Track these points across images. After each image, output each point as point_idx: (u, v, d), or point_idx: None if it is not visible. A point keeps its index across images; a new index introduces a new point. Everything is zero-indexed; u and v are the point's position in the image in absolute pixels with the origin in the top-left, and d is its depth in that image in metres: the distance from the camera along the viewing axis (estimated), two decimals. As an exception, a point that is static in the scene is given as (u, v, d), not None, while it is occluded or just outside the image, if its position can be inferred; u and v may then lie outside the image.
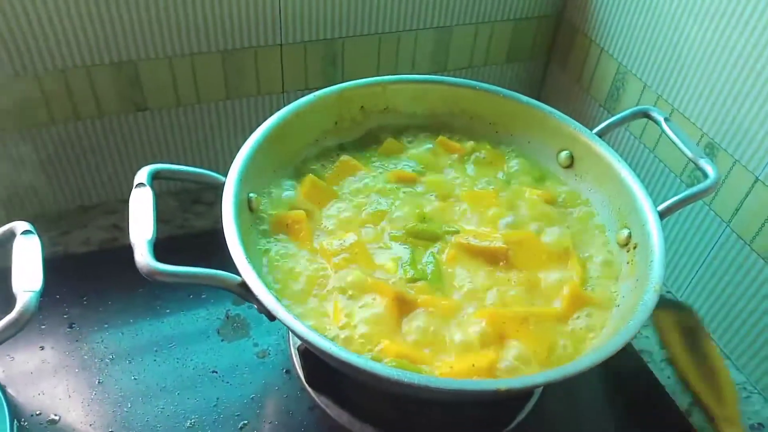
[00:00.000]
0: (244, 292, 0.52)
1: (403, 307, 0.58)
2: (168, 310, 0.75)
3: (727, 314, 0.78)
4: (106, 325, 0.72)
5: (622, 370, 0.76)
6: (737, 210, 0.75)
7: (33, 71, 0.73)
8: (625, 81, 0.89)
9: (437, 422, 0.67)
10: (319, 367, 0.61)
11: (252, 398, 0.68)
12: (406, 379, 0.47)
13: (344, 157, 0.72)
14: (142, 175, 0.56)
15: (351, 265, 0.61)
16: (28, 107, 0.75)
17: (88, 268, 0.79)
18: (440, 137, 0.77)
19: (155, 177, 0.57)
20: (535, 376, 0.49)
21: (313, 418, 0.67)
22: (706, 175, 0.66)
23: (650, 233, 0.62)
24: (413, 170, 0.73)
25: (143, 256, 0.49)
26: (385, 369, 0.48)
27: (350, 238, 0.63)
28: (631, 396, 0.74)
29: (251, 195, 0.63)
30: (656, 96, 0.83)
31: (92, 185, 0.87)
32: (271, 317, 0.52)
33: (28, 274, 0.50)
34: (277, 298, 0.52)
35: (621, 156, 0.69)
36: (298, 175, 0.70)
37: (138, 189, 0.55)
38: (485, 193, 0.71)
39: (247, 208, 0.62)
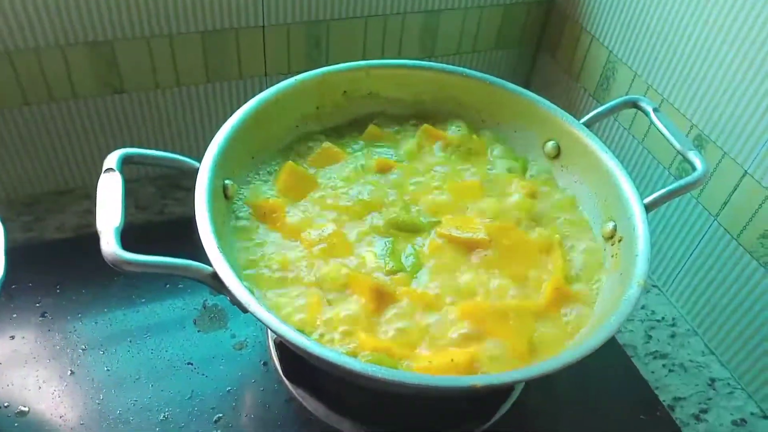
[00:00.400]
0: (215, 283, 0.51)
1: (382, 299, 0.56)
2: (143, 300, 0.73)
3: (712, 309, 0.78)
4: (79, 315, 0.70)
5: (606, 365, 0.75)
6: (725, 204, 0.73)
7: (4, 49, 0.70)
8: (615, 70, 0.87)
9: (416, 416, 0.66)
10: (296, 359, 0.59)
11: (228, 391, 0.66)
12: (380, 375, 0.46)
13: (326, 144, 0.70)
14: (112, 160, 0.53)
15: (330, 257, 0.59)
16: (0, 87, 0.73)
17: (62, 255, 0.77)
18: (425, 125, 0.75)
19: (126, 162, 0.55)
20: (513, 372, 0.47)
21: (289, 411, 0.65)
22: (694, 168, 0.64)
23: (636, 226, 0.60)
24: (396, 159, 0.71)
25: (109, 245, 0.47)
26: (359, 365, 0.47)
27: (329, 228, 0.61)
28: (615, 391, 0.73)
29: (227, 182, 0.61)
30: (646, 86, 0.82)
31: (68, 169, 0.84)
32: (244, 309, 0.50)
33: (-11, 262, 0.48)
34: (250, 290, 0.51)
35: (609, 147, 0.68)
36: (277, 161, 0.68)
37: (107, 174, 0.52)
38: (469, 184, 0.69)
39: (223, 196, 0.60)
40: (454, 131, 0.75)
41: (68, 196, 0.85)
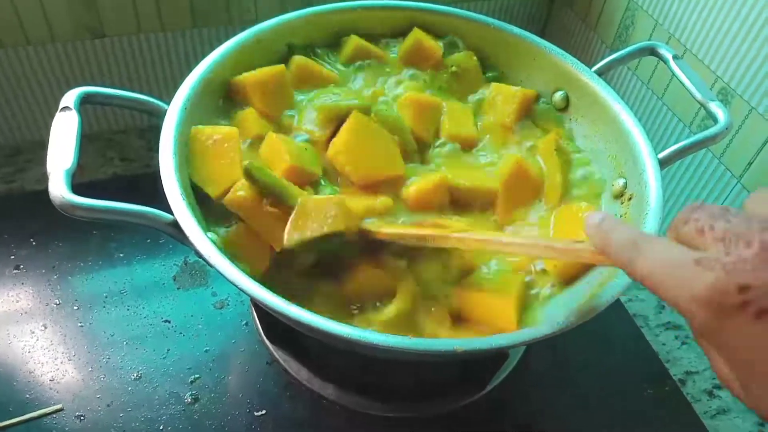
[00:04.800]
0: (177, 233, 0.46)
1: None
2: (122, 254, 0.69)
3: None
4: (54, 268, 0.67)
5: (615, 335, 0.70)
6: (750, 164, 0.67)
7: (-27, -13, 0.66)
8: (635, 18, 0.80)
9: (404, 384, 0.62)
10: (277, 320, 0.56)
11: (206, 351, 0.63)
12: (355, 337, 0.42)
13: (298, 58, 0.63)
14: (69, 98, 0.49)
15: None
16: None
17: (39, 206, 0.72)
18: (416, 31, 0.67)
19: (87, 101, 0.51)
20: (498, 337, 0.43)
21: (270, 374, 0.62)
22: (716, 121, 0.58)
23: (648, 182, 0.55)
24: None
25: (58, 188, 0.43)
26: (326, 324, 0.42)
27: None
28: (623, 363, 0.68)
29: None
30: (668, 35, 0.75)
31: (50, 118, 0.80)
32: (210, 264, 0.46)
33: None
34: (213, 242, 0.46)
35: (626, 102, 0.61)
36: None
37: (62, 113, 0.48)
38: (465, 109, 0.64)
39: (195, 142, 0.56)
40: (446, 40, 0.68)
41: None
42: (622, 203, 0.58)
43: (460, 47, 0.69)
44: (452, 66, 0.66)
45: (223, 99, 0.59)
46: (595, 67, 0.65)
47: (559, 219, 0.57)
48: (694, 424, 0.63)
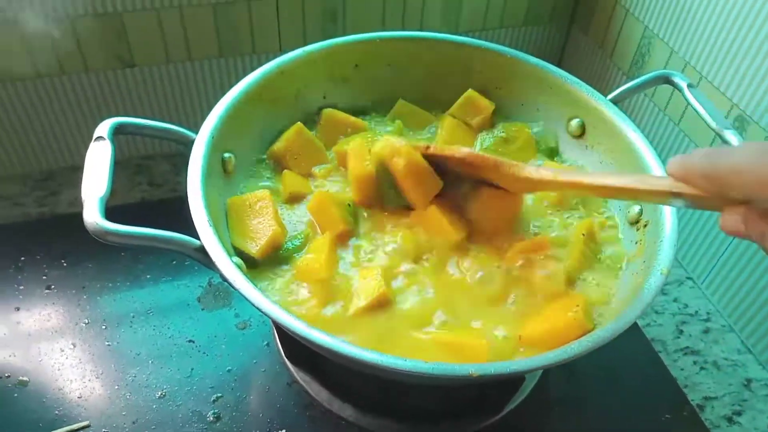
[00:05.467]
0: (203, 258, 0.48)
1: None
2: (149, 276, 0.72)
3: (751, 304, 0.71)
4: (84, 288, 0.70)
5: (631, 360, 0.71)
6: (767, 189, 0.67)
7: (14, 19, 0.69)
8: (651, 46, 0.81)
9: (422, 406, 0.63)
10: (298, 341, 0.57)
11: (228, 371, 0.64)
12: (370, 360, 0.43)
13: (328, 111, 0.67)
14: (103, 128, 0.52)
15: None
16: (7, 57, 0.72)
17: (71, 229, 0.75)
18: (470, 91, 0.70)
19: (119, 131, 0.53)
20: (514, 363, 0.43)
21: (291, 395, 0.63)
22: (731, 148, 0.59)
23: (663, 210, 0.55)
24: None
25: (92, 215, 0.45)
26: (345, 347, 0.44)
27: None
28: (641, 387, 0.68)
29: (227, 155, 0.59)
30: (684, 63, 0.76)
31: (83, 145, 0.84)
32: (234, 288, 0.48)
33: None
34: (238, 266, 0.48)
35: (642, 129, 0.62)
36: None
37: (97, 143, 0.51)
38: None
39: (221, 169, 0.58)
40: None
41: (82, 172, 0.84)
42: (637, 229, 0.59)
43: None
44: (502, 131, 0.69)
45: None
46: (610, 96, 0.66)
47: None
48: (712, 451, 0.63)
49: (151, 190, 0.84)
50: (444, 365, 0.44)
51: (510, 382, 0.59)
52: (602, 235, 0.60)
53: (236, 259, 0.50)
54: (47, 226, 0.77)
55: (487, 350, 0.49)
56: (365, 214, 0.59)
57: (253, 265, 0.54)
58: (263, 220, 0.55)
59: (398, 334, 0.51)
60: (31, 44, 0.72)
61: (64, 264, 0.72)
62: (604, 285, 0.56)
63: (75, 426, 0.59)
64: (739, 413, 0.67)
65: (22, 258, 0.72)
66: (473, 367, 0.43)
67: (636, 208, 0.60)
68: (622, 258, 0.58)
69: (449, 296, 0.54)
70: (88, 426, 0.59)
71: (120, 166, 0.85)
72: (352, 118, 0.68)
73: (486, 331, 0.52)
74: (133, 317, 0.68)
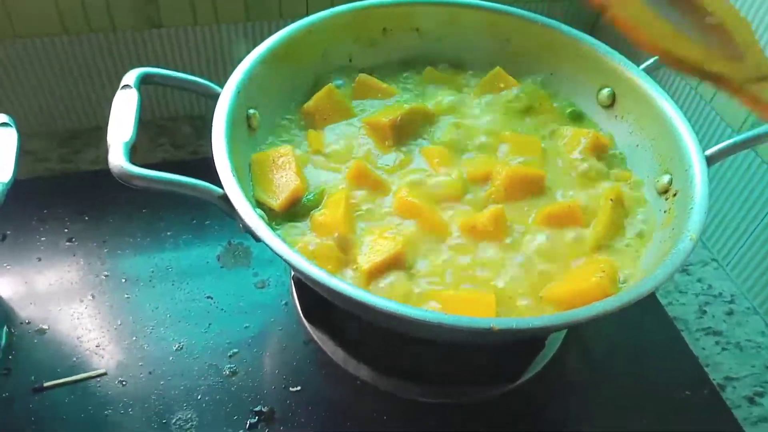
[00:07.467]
0: (226, 206, 0.48)
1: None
2: (169, 233, 0.72)
3: (778, 285, 0.70)
4: (104, 242, 0.70)
5: (652, 336, 0.69)
6: (803, 168, 0.65)
7: (44, -26, 0.69)
8: (685, 20, 0.79)
9: (439, 368, 0.62)
10: (315, 300, 0.57)
11: (245, 327, 0.64)
12: (387, 308, 0.43)
13: (362, 76, 0.67)
14: (130, 77, 0.52)
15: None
16: (38, 12, 0.72)
17: (93, 186, 0.76)
18: (497, 69, 0.70)
19: (146, 81, 0.53)
20: (536, 318, 0.43)
21: (307, 353, 0.63)
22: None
23: (693, 178, 0.54)
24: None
25: (117, 158, 0.45)
26: (367, 296, 0.43)
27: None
28: (662, 365, 0.67)
29: (251, 111, 0.58)
30: (720, 36, 0.74)
31: (107, 104, 0.84)
32: (253, 235, 0.47)
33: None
34: (262, 216, 0.48)
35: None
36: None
37: (123, 91, 0.51)
38: (529, 139, 0.64)
39: (246, 125, 0.58)
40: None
41: (106, 131, 0.85)
42: (666, 199, 0.58)
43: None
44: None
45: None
46: (643, 65, 0.64)
47: None
48: (733, 430, 0.62)
49: (173, 150, 0.84)
50: (465, 318, 0.43)
51: (528, 347, 0.58)
52: (631, 202, 0.59)
53: (259, 210, 0.49)
54: (70, 182, 0.77)
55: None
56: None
57: (273, 221, 0.54)
58: (285, 174, 0.55)
59: (415, 291, 0.51)
60: (60, 0, 0.72)
61: (86, 218, 0.72)
62: (631, 252, 0.55)
63: (92, 373, 0.59)
64: (761, 394, 0.66)
65: (45, 211, 0.72)
66: (495, 321, 0.42)
67: (666, 178, 0.59)
68: (651, 225, 0.57)
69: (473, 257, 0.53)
70: (104, 374, 0.59)
71: (142, 125, 0.85)
72: (384, 85, 0.68)
73: (509, 292, 0.51)
74: (153, 272, 0.68)
